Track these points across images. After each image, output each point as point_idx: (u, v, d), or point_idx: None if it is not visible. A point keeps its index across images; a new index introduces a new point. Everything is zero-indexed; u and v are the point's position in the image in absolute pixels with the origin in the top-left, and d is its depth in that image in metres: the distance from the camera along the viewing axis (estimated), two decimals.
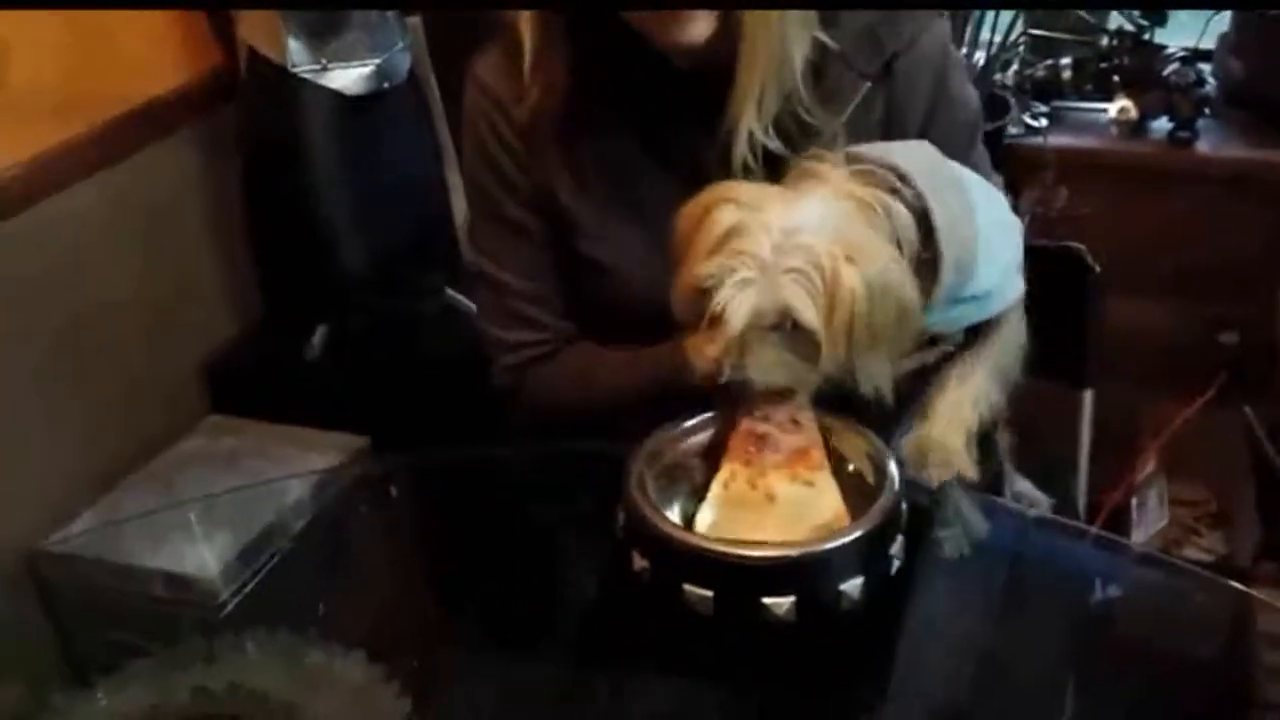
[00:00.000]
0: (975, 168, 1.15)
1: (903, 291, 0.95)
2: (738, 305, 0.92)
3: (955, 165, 1.07)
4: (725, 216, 0.96)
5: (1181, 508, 2.15)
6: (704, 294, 0.94)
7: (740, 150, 1.13)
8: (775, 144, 1.13)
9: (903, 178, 0.99)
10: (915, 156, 1.02)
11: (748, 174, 1.12)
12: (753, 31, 1.09)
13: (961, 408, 1.08)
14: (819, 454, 1.01)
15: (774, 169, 1.10)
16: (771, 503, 0.99)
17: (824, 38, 1.15)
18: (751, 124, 1.12)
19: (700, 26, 1.09)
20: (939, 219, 0.98)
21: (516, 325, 1.29)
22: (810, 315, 0.92)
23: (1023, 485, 1.25)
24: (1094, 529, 1.32)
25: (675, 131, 1.18)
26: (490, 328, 1.31)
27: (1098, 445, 1.59)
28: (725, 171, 1.13)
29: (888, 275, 0.94)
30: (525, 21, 1.15)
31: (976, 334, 1.10)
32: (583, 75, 1.17)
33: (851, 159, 1.02)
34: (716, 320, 0.94)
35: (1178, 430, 1.98)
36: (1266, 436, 1.97)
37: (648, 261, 1.14)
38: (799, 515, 0.98)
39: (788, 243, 0.92)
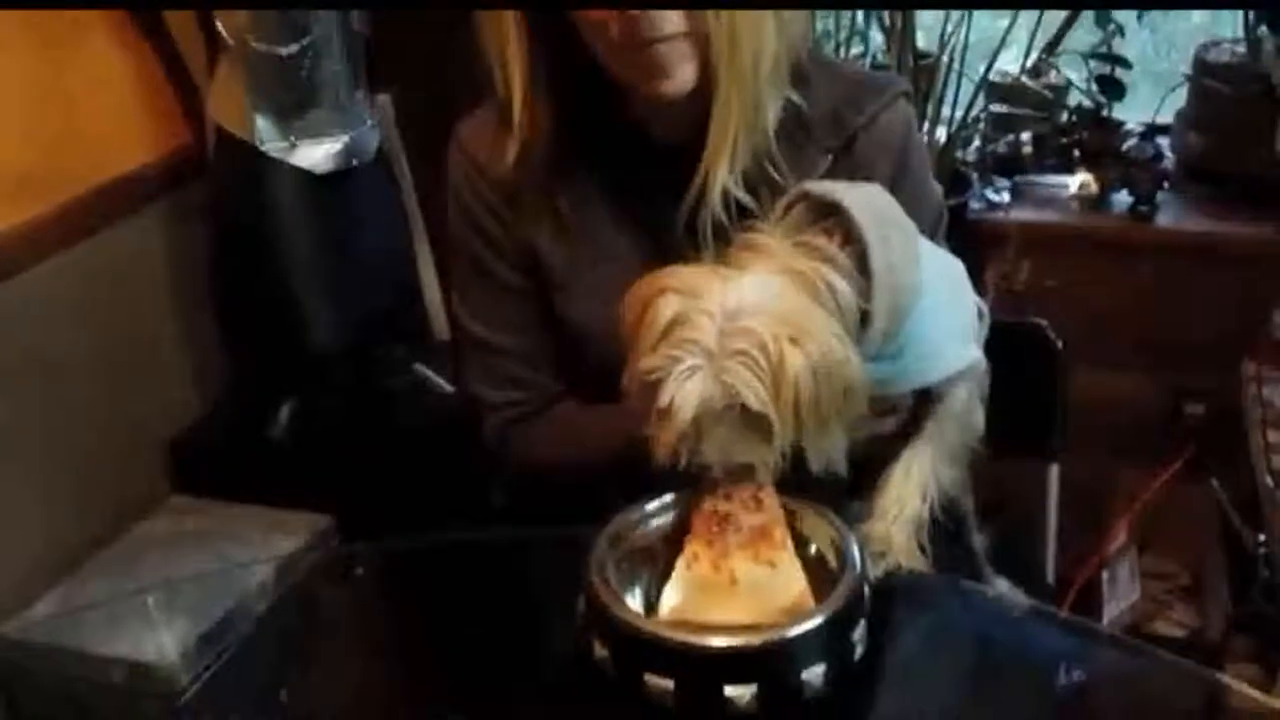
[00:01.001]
0: None
1: (847, 370, 0.95)
2: (686, 395, 0.93)
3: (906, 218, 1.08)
4: (667, 307, 0.96)
5: (1153, 581, 2.14)
6: (654, 386, 0.94)
7: (713, 201, 1.14)
8: (747, 198, 1.16)
9: (846, 220, 1.00)
10: (861, 197, 1.03)
11: (718, 231, 1.14)
12: (727, 88, 1.11)
13: (906, 502, 1.08)
14: (781, 532, 1.01)
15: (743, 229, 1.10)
16: (734, 585, 0.98)
17: (796, 97, 1.18)
18: (724, 179, 1.14)
19: (678, 82, 1.12)
20: (877, 261, 0.99)
21: (504, 385, 1.29)
22: (758, 398, 0.92)
23: (1000, 586, 1.24)
24: (1062, 612, 1.31)
25: (649, 198, 1.20)
26: (478, 388, 1.31)
27: (1067, 518, 1.59)
28: (693, 234, 1.15)
29: (831, 355, 0.94)
30: (513, 76, 1.17)
31: (928, 401, 1.10)
32: (564, 131, 1.19)
33: (800, 197, 1.03)
34: (667, 412, 0.94)
35: (1147, 503, 1.98)
36: (1235, 508, 1.98)
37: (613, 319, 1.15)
38: (762, 597, 0.97)
39: (731, 327, 0.93)
